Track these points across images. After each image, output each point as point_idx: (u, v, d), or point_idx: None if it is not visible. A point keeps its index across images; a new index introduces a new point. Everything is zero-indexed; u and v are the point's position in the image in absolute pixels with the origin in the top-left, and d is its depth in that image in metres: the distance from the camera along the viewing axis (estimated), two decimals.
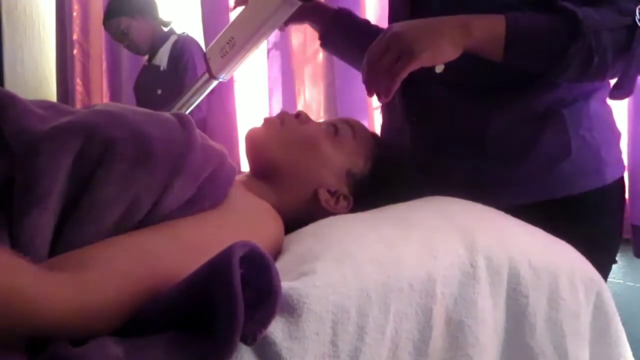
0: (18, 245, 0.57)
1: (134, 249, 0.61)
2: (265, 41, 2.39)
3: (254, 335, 0.53)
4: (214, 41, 1.10)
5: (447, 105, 0.99)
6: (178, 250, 0.63)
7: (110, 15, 2.68)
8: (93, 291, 0.55)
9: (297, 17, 1.06)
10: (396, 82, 0.83)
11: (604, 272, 0.93)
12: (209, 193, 0.72)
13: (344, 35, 1.19)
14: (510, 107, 0.95)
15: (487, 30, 0.85)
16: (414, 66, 0.82)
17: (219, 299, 0.53)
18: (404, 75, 0.83)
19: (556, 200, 0.95)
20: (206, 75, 1.14)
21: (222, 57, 1.07)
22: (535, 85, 0.93)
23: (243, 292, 0.52)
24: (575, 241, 0.85)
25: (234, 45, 1.04)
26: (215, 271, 0.53)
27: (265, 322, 0.55)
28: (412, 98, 0.99)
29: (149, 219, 0.66)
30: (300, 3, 0.96)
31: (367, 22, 1.23)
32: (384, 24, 1.12)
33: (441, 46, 0.83)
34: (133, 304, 0.56)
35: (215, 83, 1.15)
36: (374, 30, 1.21)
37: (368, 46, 0.86)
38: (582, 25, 0.82)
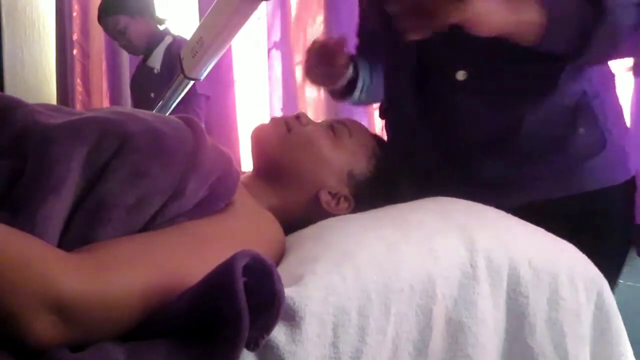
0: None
1: (153, 248, 0.61)
2: (266, 41, 2.40)
3: (257, 341, 0.54)
4: (187, 42, 1.13)
5: (473, 111, 0.98)
6: (196, 255, 0.63)
7: (107, 12, 2.62)
8: (114, 276, 0.55)
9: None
10: (435, 25, 0.76)
11: (622, 259, 0.96)
12: (222, 194, 0.72)
13: None
14: (541, 106, 0.95)
15: (530, 13, 0.82)
16: (461, 20, 0.77)
17: (223, 309, 0.53)
18: (447, 23, 0.76)
19: (583, 194, 0.96)
20: (181, 76, 1.17)
21: (192, 57, 1.09)
22: (559, 82, 0.93)
23: (246, 300, 0.52)
24: (601, 236, 0.86)
25: (202, 44, 1.07)
26: (219, 282, 0.53)
27: (268, 328, 0.55)
28: (433, 104, 0.99)
29: (162, 217, 0.65)
30: (261, 1, 0.97)
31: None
32: None
33: (490, 16, 0.78)
34: (148, 304, 0.56)
35: (190, 83, 1.19)
36: None
37: None
38: (607, 3, 0.81)
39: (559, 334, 0.75)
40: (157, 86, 2.57)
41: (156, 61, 2.64)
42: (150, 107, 1.27)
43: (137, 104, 2.79)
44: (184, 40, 2.66)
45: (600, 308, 0.79)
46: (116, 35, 2.65)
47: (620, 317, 0.81)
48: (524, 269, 0.74)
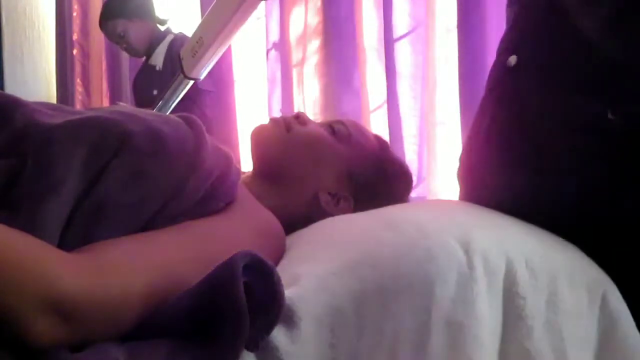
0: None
1: (153, 248, 0.61)
2: (265, 41, 2.40)
3: (257, 342, 0.54)
4: (187, 41, 1.14)
5: None
6: (196, 255, 0.63)
7: (106, 16, 2.63)
8: (114, 276, 0.55)
9: None
10: None
11: None
12: (222, 193, 0.72)
13: None
14: None
15: None
16: None
17: (223, 309, 0.53)
18: None
19: None
20: (181, 76, 1.18)
21: (192, 56, 1.10)
22: None
23: (246, 300, 0.52)
24: None
25: (202, 44, 1.08)
26: (219, 282, 0.54)
27: (268, 329, 0.55)
28: None
29: (163, 217, 0.65)
30: (261, 1, 0.98)
31: None
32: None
33: None
34: (148, 304, 0.56)
35: (190, 83, 1.20)
36: None
37: None
38: None
39: (557, 337, 0.73)
40: (160, 83, 2.58)
41: (158, 60, 2.65)
42: (153, 105, 1.29)
43: (139, 103, 2.79)
44: (186, 37, 2.66)
45: (604, 311, 0.77)
46: (116, 40, 2.66)
47: (631, 320, 0.78)
48: (521, 269, 0.74)
